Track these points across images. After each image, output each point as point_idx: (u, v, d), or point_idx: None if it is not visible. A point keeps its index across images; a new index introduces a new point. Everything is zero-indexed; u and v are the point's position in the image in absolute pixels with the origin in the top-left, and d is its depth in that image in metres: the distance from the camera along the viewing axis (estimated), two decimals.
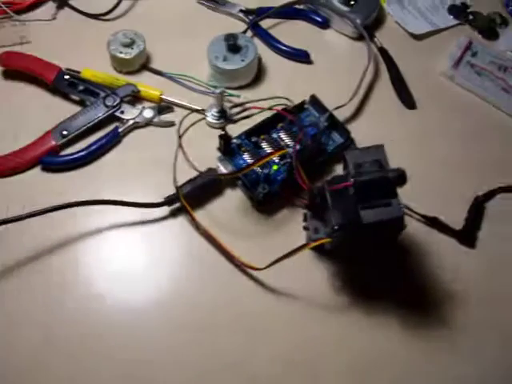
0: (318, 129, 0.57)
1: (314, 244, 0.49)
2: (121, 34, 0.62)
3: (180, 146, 0.48)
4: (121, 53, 0.62)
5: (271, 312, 0.52)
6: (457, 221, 0.58)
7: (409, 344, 0.52)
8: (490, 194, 0.60)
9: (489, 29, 0.72)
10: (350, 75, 0.64)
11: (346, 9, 0.68)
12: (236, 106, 0.49)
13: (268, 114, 0.57)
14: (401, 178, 0.44)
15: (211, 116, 0.47)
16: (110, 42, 0.62)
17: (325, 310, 0.53)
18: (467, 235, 0.58)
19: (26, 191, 0.56)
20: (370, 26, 0.70)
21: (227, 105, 0.49)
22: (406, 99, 0.65)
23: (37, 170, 0.57)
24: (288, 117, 0.54)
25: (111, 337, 0.50)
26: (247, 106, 0.48)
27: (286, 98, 0.51)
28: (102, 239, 0.55)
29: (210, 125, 0.48)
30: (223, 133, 0.52)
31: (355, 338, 0.52)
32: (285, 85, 0.65)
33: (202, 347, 0.50)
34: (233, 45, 0.61)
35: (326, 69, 0.67)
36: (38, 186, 0.57)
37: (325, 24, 0.70)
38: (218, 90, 0.45)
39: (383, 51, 0.69)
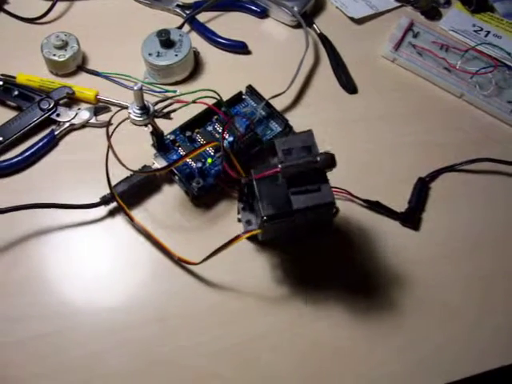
0: (249, 119, 0.57)
1: (245, 236, 0.49)
2: (53, 37, 0.62)
3: (110, 145, 0.47)
4: (54, 55, 0.61)
5: (213, 307, 0.52)
6: (402, 204, 0.58)
7: (354, 330, 0.51)
8: (434, 175, 0.60)
9: (431, 9, 0.72)
10: (290, 64, 0.64)
11: None
12: (161, 101, 0.49)
13: (203, 107, 0.57)
14: (329, 161, 0.44)
15: (133, 113, 0.47)
16: (43, 45, 0.62)
17: (267, 302, 0.52)
18: (411, 217, 0.58)
19: None
20: (309, 13, 0.70)
21: (151, 100, 0.48)
22: (347, 84, 0.65)
23: None
24: (216, 110, 0.54)
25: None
26: (171, 100, 0.48)
27: (213, 91, 0.51)
28: (42, 242, 0.54)
29: (134, 122, 0.47)
30: (152, 129, 0.52)
31: (301, 329, 0.51)
32: (224, 77, 0.64)
33: (142, 343, 0.50)
34: (165, 40, 0.61)
35: (265, 59, 0.67)
36: None
37: (263, 14, 0.70)
38: (136, 87, 0.44)
39: (323, 37, 0.68)
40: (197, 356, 0.50)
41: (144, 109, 0.46)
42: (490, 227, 0.58)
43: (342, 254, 0.55)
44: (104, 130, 0.57)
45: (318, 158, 0.43)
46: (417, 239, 0.57)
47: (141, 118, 0.47)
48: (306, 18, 0.68)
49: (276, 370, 0.50)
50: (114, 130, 0.49)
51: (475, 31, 0.70)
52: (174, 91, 0.61)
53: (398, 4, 0.72)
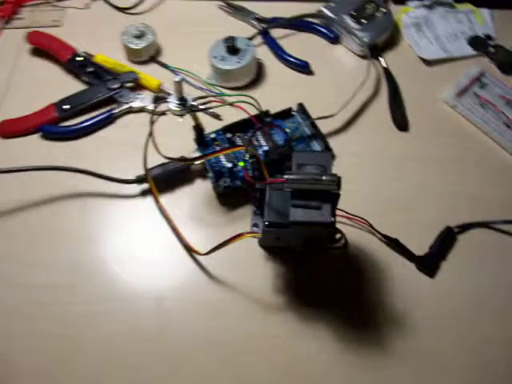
0: (287, 134, 0.60)
1: (247, 235, 0.50)
2: (133, 26, 0.68)
3: (150, 132, 0.51)
4: (131, 43, 0.67)
5: (211, 301, 0.54)
6: (422, 248, 0.57)
7: (335, 356, 0.51)
8: (465, 227, 0.59)
9: (509, 63, 0.70)
10: (349, 91, 0.65)
11: (356, 27, 0.70)
12: (200, 98, 0.52)
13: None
14: (334, 183, 0.44)
15: (172, 103, 0.50)
16: (123, 32, 0.68)
17: (262, 308, 0.54)
18: (428, 263, 0.57)
19: (23, 152, 0.62)
20: (379, 46, 0.71)
21: (191, 95, 0.52)
22: (399, 120, 0.65)
23: (36, 136, 0.64)
24: (253, 120, 0.57)
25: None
26: (211, 98, 0.51)
27: (254, 99, 0.54)
28: (73, 204, 0.59)
29: (172, 112, 0.51)
30: (194, 124, 0.56)
31: (285, 341, 0.52)
32: (281, 91, 0.67)
33: (134, 319, 0.53)
34: (231, 46, 0.65)
35: (326, 82, 0.69)
36: (34, 149, 0.63)
37: (335, 40, 0.72)
38: (176, 78, 0.48)
39: (387, 71, 0.69)
40: (184, 344, 0.52)
41: (182, 100, 0.50)
42: (508, 294, 0.55)
43: (348, 282, 0.56)
44: (157, 117, 0.62)
45: (324, 178, 0.44)
46: (428, 286, 0.55)
47: (178, 109, 0.50)
48: (376, 50, 0.70)
49: (252, 373, 0.51)
50: (157, 117, 0.53)
51: None
52: (230, 96, 0.64)
53: (475, 53, 0.71)
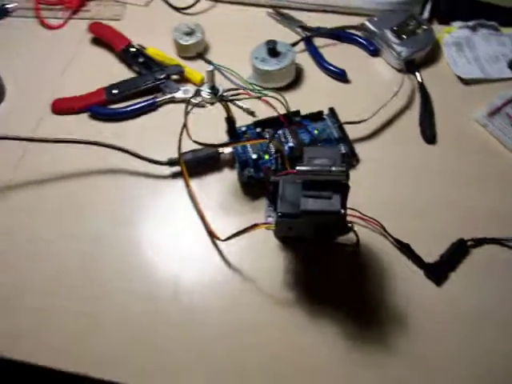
0: (312, 135, 0.63)
1: (262, 226, 0.54)
2: (184, 24, 0.73)
3: (185, 121, 0.55)
4: (181, 39, 0.73)
5: (224, 289, 0.57)
6: (432, 257, 0.57)
7: (337, 352, 0.53)
8: (479, 242, 0.59)
9: None
10: (382, 102, 0.67)
11: (396, 41, 0.72)
12: (231, 89, 0.56)
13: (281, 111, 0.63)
14: (343, 173, 0.47)
15: (205, 91, 0.54)
16: (175, 29, 0.74)
17: (271, 299, 0.56)
18: (437, 271, 0.57)
19: (72, 128, 0.68)
20: (416, 62, 0.73)
21: (222, 85, 0.56)
22: (427, 133, 0.67)
23: (85, 115, 0.70)
24: (280, 118, 0.60)
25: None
26: (241, 91, 0.55)
27: (282, 96, 0.57)
28: (108, 179, 0.64)
29: (204, 99, 0.55)
30: (227, 116, 0.60)
31: (291, 335, 0.54)
32: (316, 95, 0.70)
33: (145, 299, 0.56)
34: (271, 49, 0.69)
35: (360, 91, 0.71)
36: (81, 126, 0.69)
37: (374, 52, 0.74)
38: (209, 68, 0.52)
39: (422, 86, 0.71)
40: (202, 332, 0.54)
41: (213, 89, 0.54)
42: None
43: (355, 280, 0.57)
44: (197, 109, 0.66)
45: (333, 169, 0.47)
46: (434, 294, 0.56)
47: (209, 97, 0.54)
48: (413, 65, 0.72)
49: (257, 363, 0.52)
50: (192, 108, 0.57)
51: None
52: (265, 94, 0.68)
53: None
